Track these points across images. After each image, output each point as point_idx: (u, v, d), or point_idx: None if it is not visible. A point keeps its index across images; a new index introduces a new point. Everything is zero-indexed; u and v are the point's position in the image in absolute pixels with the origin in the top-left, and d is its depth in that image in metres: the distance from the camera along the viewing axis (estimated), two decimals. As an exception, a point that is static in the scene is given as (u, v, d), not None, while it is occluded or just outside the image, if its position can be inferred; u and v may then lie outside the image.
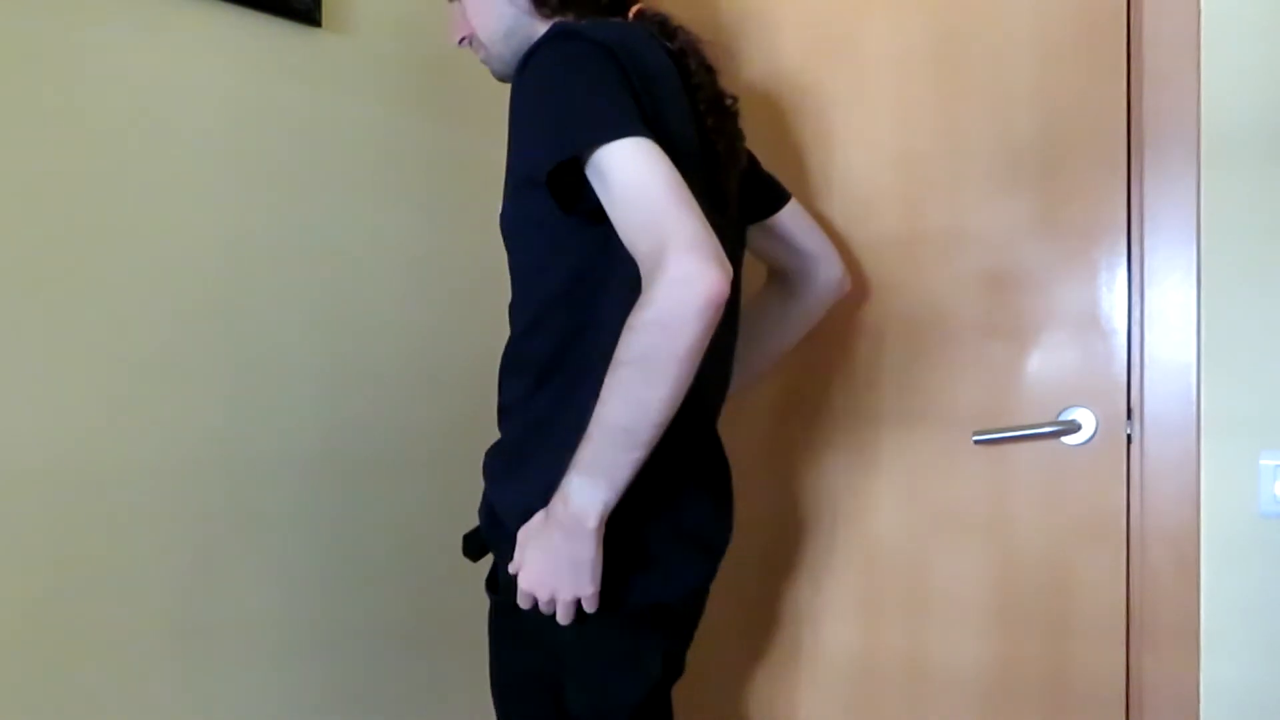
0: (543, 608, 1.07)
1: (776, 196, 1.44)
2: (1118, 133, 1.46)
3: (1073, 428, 1.48)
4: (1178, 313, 1.40)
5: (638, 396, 0.98)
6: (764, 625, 1.72)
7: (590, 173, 1.02)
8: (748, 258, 1.38)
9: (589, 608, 1.06)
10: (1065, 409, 1.49)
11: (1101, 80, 1.47)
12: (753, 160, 1.39)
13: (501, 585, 1.16)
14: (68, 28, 1.19)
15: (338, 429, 1.47)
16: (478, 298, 1.66)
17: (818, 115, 1.67)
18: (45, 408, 1.17)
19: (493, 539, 1.18)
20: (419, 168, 1.59)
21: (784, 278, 1.51)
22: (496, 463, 1.18)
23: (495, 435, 1.21)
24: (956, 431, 1.56)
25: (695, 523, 1.17)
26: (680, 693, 1.40)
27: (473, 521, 1.28)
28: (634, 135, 0.99)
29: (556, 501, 1.04)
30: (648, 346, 0.97)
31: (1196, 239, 1.39)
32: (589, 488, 1.02)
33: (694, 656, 1.41)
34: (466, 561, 1.26)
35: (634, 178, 0.99)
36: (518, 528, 1.10)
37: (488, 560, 1.23)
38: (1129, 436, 1.46)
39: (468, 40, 1.29)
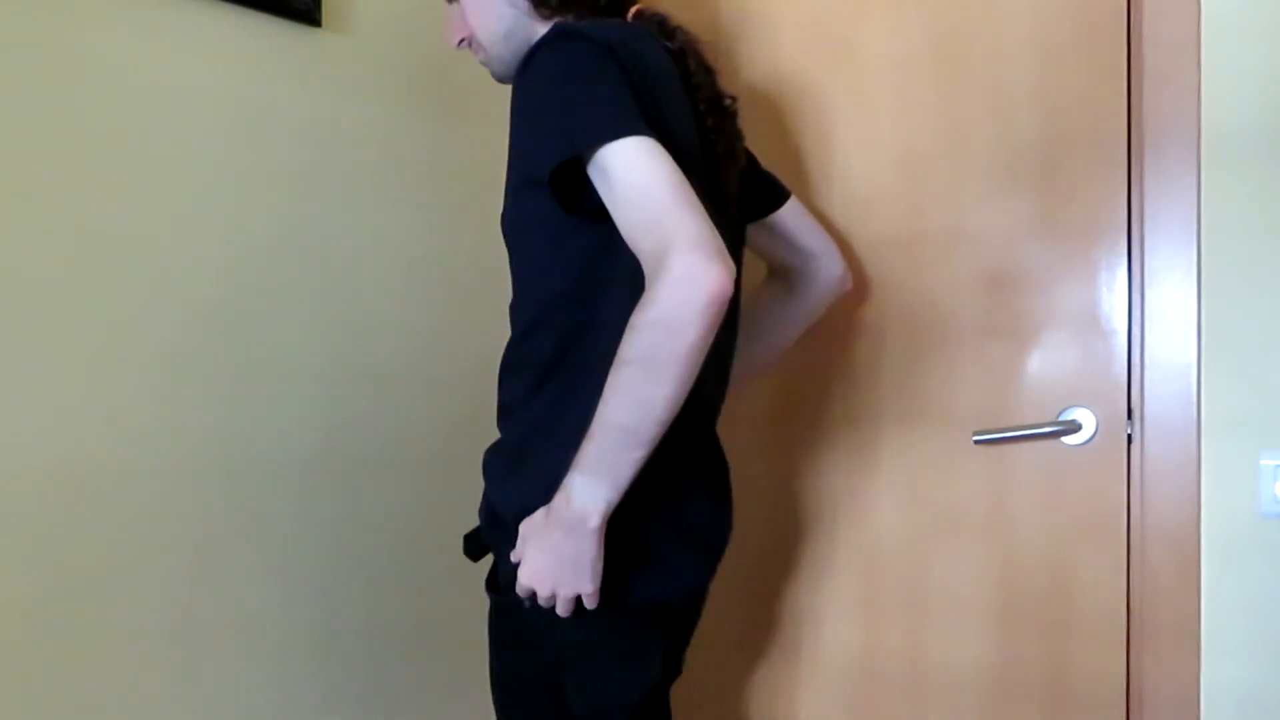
0: (542, 602, 1.07)
1: (776, 195, 1.44)
2: (1118, 133, 1.46)
3: (1073, 428, 1.48)
4: (1178, 313, 1.40)
5: (641, 395, 0.98)
6: (764, 625, 1.72)
7: (593, 172, 1.02)
8: (747, 256, 1.38)
9: (589, 604, 1.06)
10: (1065, 409, 1.49)
11: (1101, 80, 1.47)
12: (752, 159, 1.39)
13: (502, 585, 1.16)
14: (67, 28, 1.19)
15: (338, 429, 1.47)
16: (478, 298, 1.66)
17: (818, 115, 1.67)
18: (45, 408, 1.17)
19: (493, 539, 1.18)
20: (419, 168, 1.59)
21: (785, 275, 1.52)
22: (496, 462, 1.18)
23: (495, 435, 1.21)
24: (956, 431, 1.56)
25: (696, 522, 1.17)
26: (680, 693, 1.40)
27: (472, 521, 1.28)
28: (636, 134, 1.00)
29: (558, 500, 1.04)
30: (651, 345, 0.97)
31: (1196, 239, 1.38)
32: (591, 486, 1.02)
33: (694, 656, 1.41)
34: (466, 561, 1.26)
35: (637, 176, 0.99)
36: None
37: (488, 560, 1.23)
38: (1129, 436, 1.46)
39: (467, 42, 1.29)
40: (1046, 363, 1.51)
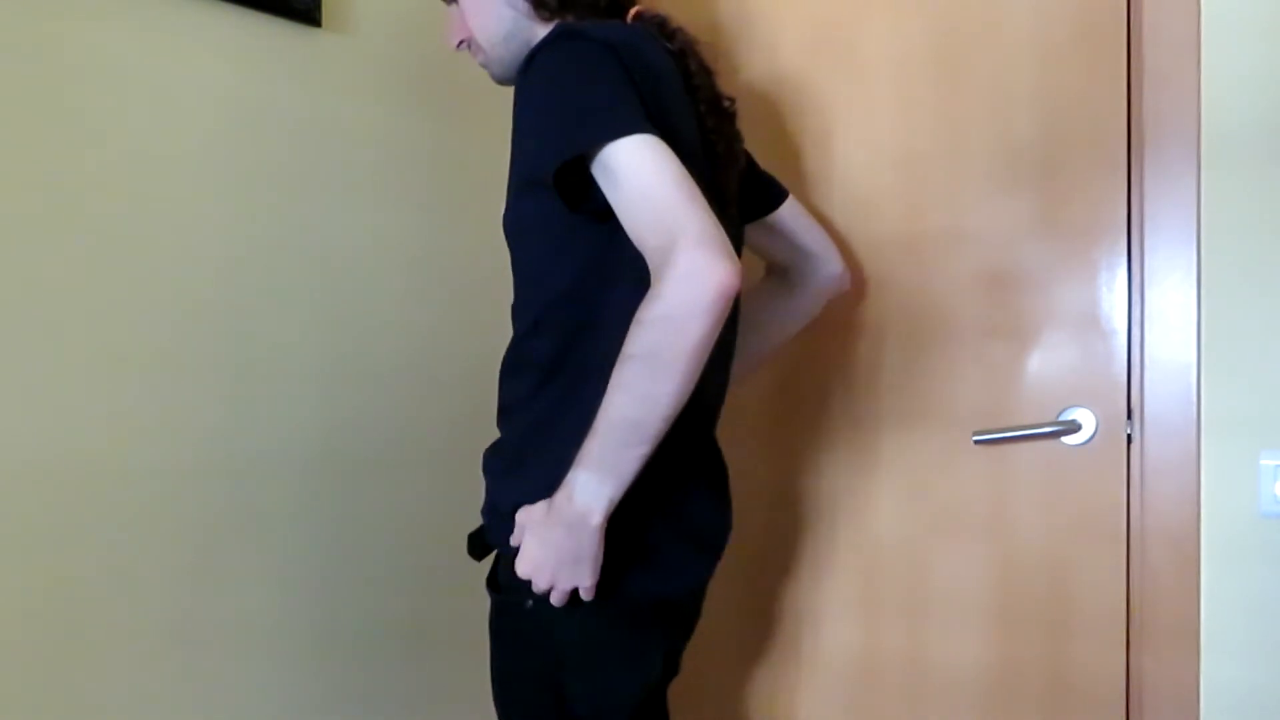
0: (537, 590, 1.07)
1: (775, 194, 1.44)
2: (1118, 133, 1.46)
3: (1073, 428, 1.48)
4: (1178, 313, 1.40)
5: (645, 391, 0.98)
6: (764, 625, 1.72)
7: (597, 170, 1.02)
8: (745, 256, 1.38)
9: (585, 597, 1.07)
10: (1065, 409, 1.49)
11: (1101, 80, 1.47)
12: (750, 160, 1.40)
13: (503, 585, 1.16)
14: (67, 28, 1.19)
15: (338, 429, 1.47)
16: (478, 298, 1.66)
17: (818, 115, 1.68)
18: (46, 407, 1.17)
19: (495, 537, 1.18)
20: (419, 168, 1.59)
21: (783, 274, 1.52)
22: (498, 461, 1.18)
23: (495, 435, 1.21)
24: (956, 431, 1.56)
25: (696, 521, 1.17)
26: (680, 693, 1.40)
27: (473, 521, 1.28)
28: (640, 132, 1.00)
29: (560, 496, 1.04)
30: (657, 340, 0.97)
31: (1196, 239, 1.38)
32: (595, 482, 1.02)
33: (693, 656, 1.41)
34: (466, 561, 1.26)
35: (642, 174, 0.99)
36: None
37: (490, 559, 1.23)
38: (1129, 436, 1.46)
39: (466, 44, 1.29)
40: (1046, 363, 1.51)
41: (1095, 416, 1.47)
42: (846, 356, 1.65)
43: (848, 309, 1.62)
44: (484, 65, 1.29)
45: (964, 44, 1.57)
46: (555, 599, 1.07)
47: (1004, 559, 1.53)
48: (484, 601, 1.21)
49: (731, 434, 1.34)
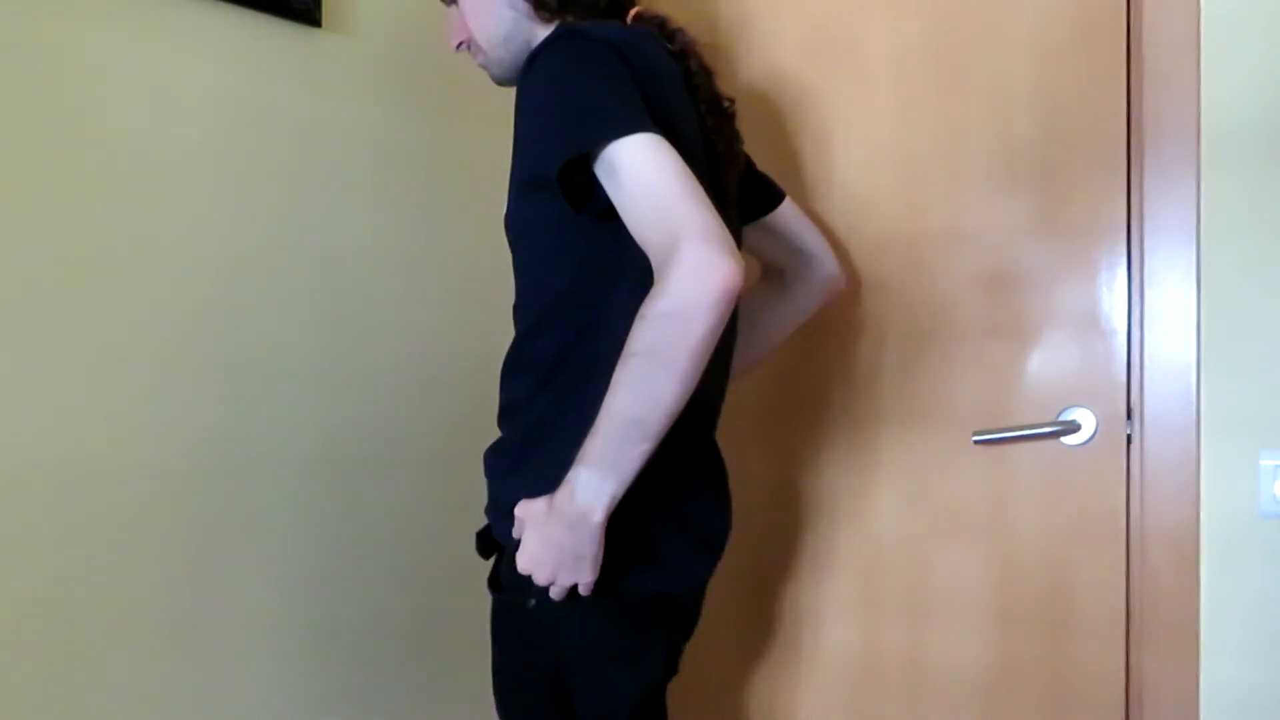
0: (537, 583, 1.07)
1: (772, 195, 1.45)
2: (1118, 133, 1.46)
3: (1073, 428, 1.48)
4: (1178, 313, 1.40)
5: (649, 387, 0.98)
6: (764, 625, 1.72)
7: (600, 169, 1.02)
8: (743, 256, 1.38)
9: (584, 593, 1.07)
10: (1065, 409, 1.49)
11: (1101, 80, 1.47)
12: (748, 161, 1.40)
13: (505, 584, 1.16)
14: (67, 28, 1.19)
15: (338, 429, 1.47)
16: (478, 298, 1.66)
17: (818, 115, 1.68)
18: (46, 407, 1.17)
19: (501, 534, 1.18)
20: (419, 168, 1.59)
21: (780, 274, 1.52)
22: (498, 460, 1.18)
23: (496, 435, 1.21)
24: (956, 431, 1.56)
25: (697, 519, 1.17)
26: (680, 693, 1.40)
27: (473, 521, 1.28)
28: (643, 131, 1.00)
29: (562, 494, 1.03)
30: (660, 337, 0.97)
31: (1196, 239, 1.39)
32: (597, 480, 1.01)
33: (693, 656, 1.41)
34: (466, 561, 1.27)
35: (645, 172, 0.99)
36: None
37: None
38: (1129, 436, 1.46)
39: (466, 44, 1.29)
40: (1046, 363, 1.51)
41: (1095, 416, 1.47)
42: (846, 356, 1.65)
43: (847, 309, 1.62)
44: (484, 66, 1.29)
45: (964, 44, 1.57)
46: (554, 595, 1.07)
47: (1004, 559, 1.53)
48: (484, 601, 1.21)
49: (731, 434, 1.34)
